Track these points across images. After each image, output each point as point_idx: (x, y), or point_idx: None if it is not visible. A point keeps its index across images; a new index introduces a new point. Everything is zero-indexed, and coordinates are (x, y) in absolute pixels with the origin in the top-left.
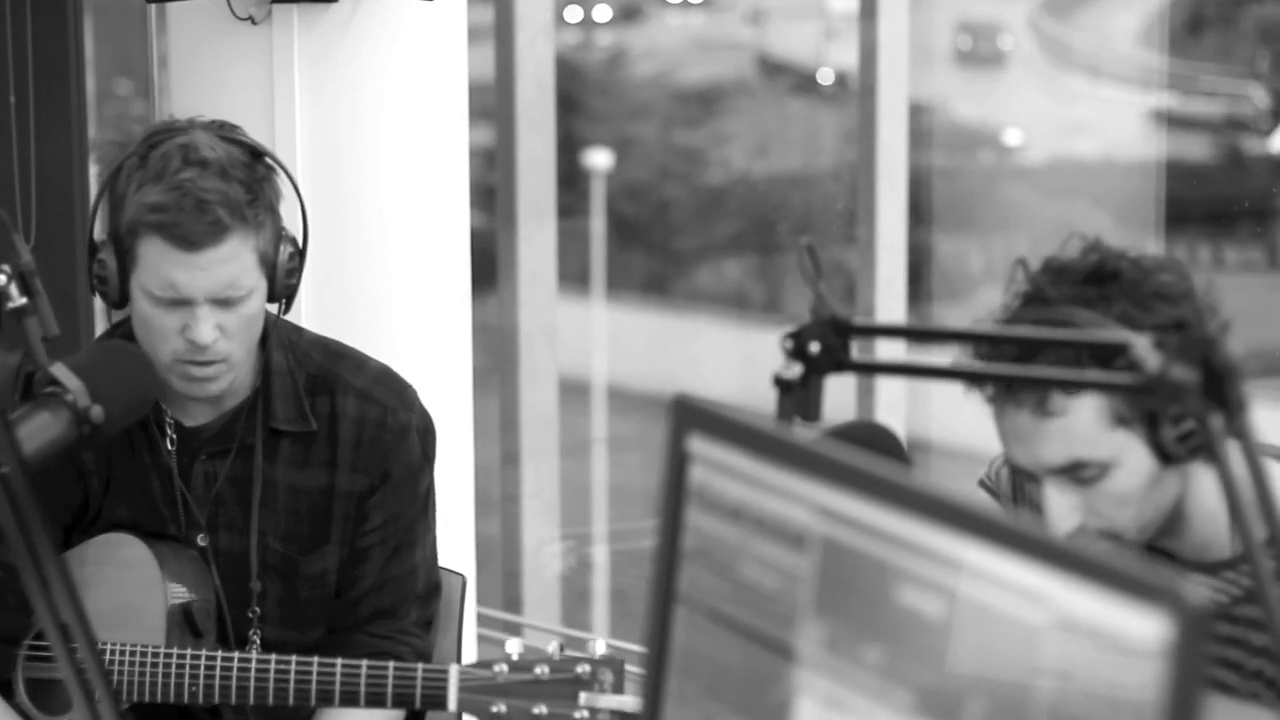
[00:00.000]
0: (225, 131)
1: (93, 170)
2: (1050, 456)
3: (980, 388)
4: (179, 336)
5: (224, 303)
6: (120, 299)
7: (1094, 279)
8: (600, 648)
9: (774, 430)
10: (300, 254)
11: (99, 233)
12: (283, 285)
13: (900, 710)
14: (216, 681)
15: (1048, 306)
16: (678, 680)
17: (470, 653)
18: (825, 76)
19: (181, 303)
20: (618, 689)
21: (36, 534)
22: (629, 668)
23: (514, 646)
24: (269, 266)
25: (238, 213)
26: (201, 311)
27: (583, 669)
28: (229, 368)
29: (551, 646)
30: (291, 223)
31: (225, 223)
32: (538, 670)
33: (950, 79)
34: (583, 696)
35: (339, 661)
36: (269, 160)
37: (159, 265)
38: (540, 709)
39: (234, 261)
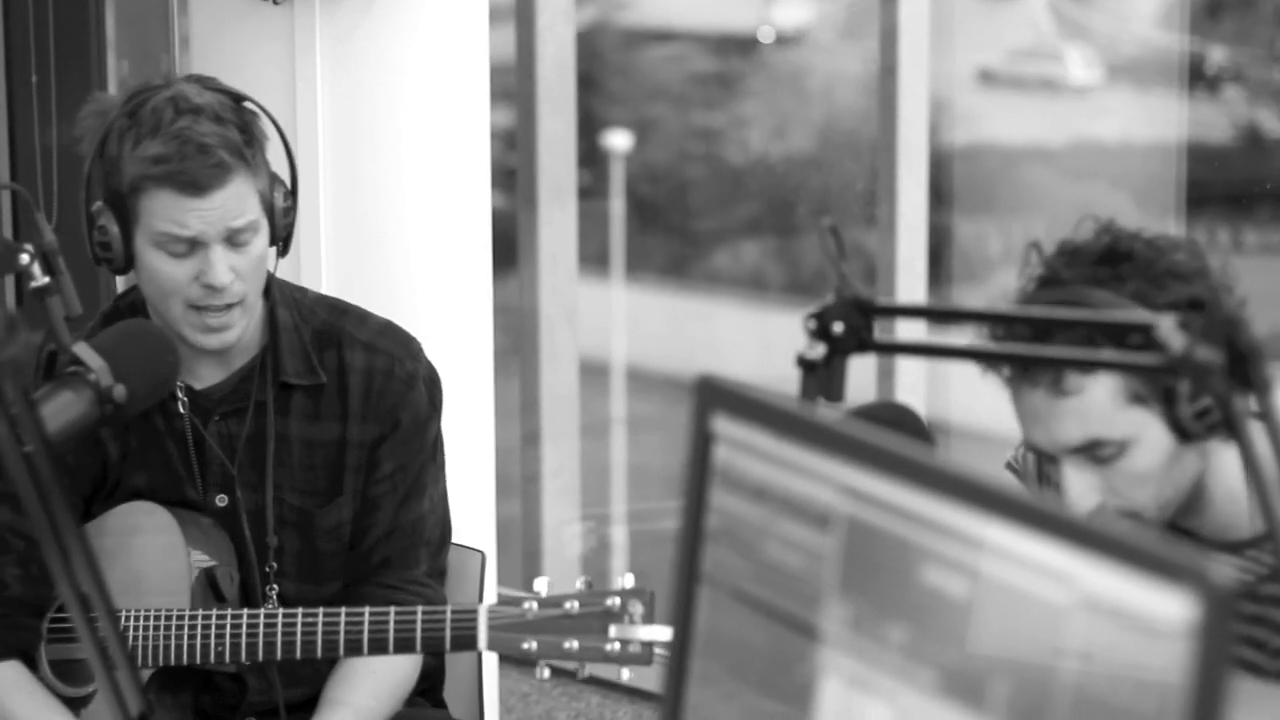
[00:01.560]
0: (205, 82)
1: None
2: (1067, 436)
3: (997, 369)
4: (193, 284)
5: (234, 243)
6: (125, 263)
7: (1107, 259)
8: (629, 580)
9: (798, 410)
10: (292, 194)
11: (94, 202)
12: (281, 225)
13: (924, 690)
14: (243, 639)
15: (1062, 287)
16: (701, 660)
17: None
18: (766, 35)
19: (193, 249)
20: (648, 619)
21: (59, 511)
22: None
23: (541, 583)
24: (268, 207)
25: (238, 153)
26: (215, 254)
27: (612, 601)
28: (244, 311)
29: (579, 582)
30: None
31: (228, 163)
32: (567, 605)
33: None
34: (613, 629)
35: (366, 610)
36: (251, 105)
37: (168, 213)
38: (571, 644)
39: (240, 200)
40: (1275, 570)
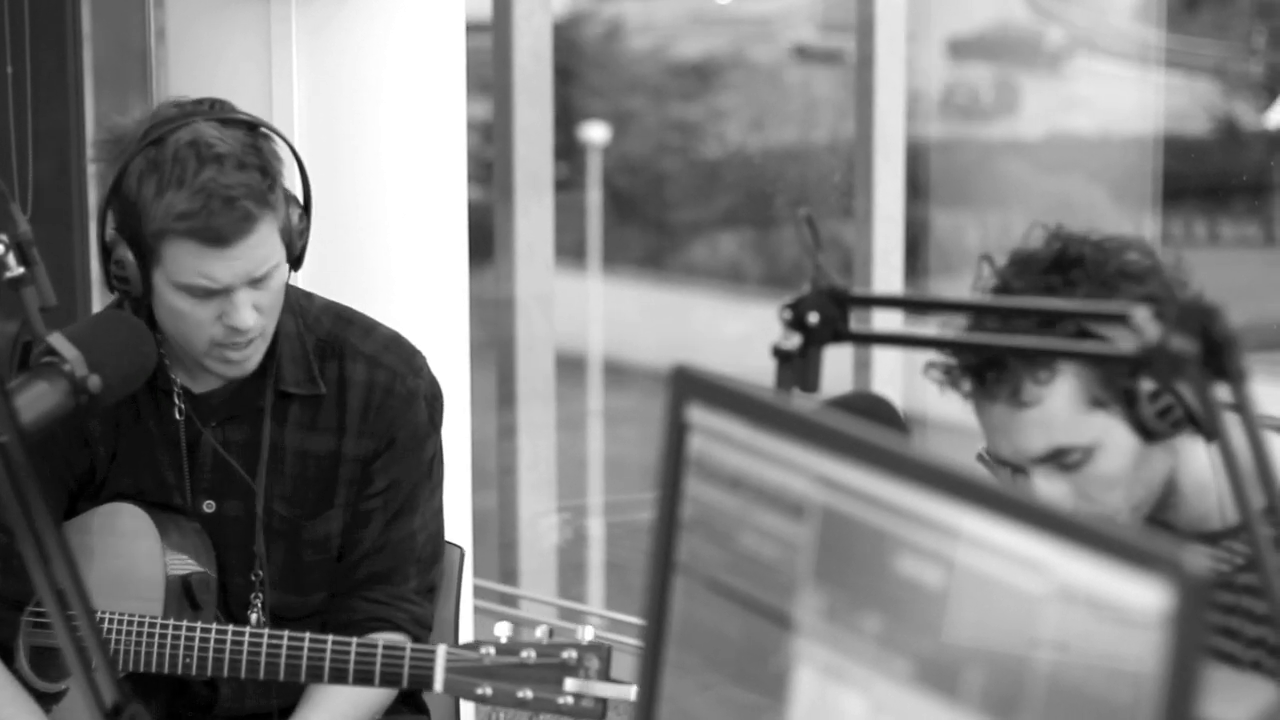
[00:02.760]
0: (221, 113)
1: (89, 143)
2: (1031, 446)
3: (957, 387)
4: (216, 324)
5: (256, 282)
6: (144, 292)
7: (1057, 267)
8: (588, 634)
9: (773, 399)
10: (305, 212)
11: (108, 232)
12: (296, 247)
13: (899, 680)
14: (210, 655)
15: (1021, 297)
16: (676, 650)
17: (467, 625)
18: None
19: (216, 292)
20: (603, 675)
21: (34, 503)
22: (627, 639)
23: (503, 629)
24: (287, 236)
25: (263, 200)
26: (240, 298)
27: (569, 655)
28: (263, 341)
29: (540, 631)
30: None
31: (254, 214)
32: (524, 654)
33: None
34: (568, 682)
35: (330, 639)
36: (265, 130)
37: (194, 264)
38: (525, 693)
39: (265, 246)
40: (1250, 560)
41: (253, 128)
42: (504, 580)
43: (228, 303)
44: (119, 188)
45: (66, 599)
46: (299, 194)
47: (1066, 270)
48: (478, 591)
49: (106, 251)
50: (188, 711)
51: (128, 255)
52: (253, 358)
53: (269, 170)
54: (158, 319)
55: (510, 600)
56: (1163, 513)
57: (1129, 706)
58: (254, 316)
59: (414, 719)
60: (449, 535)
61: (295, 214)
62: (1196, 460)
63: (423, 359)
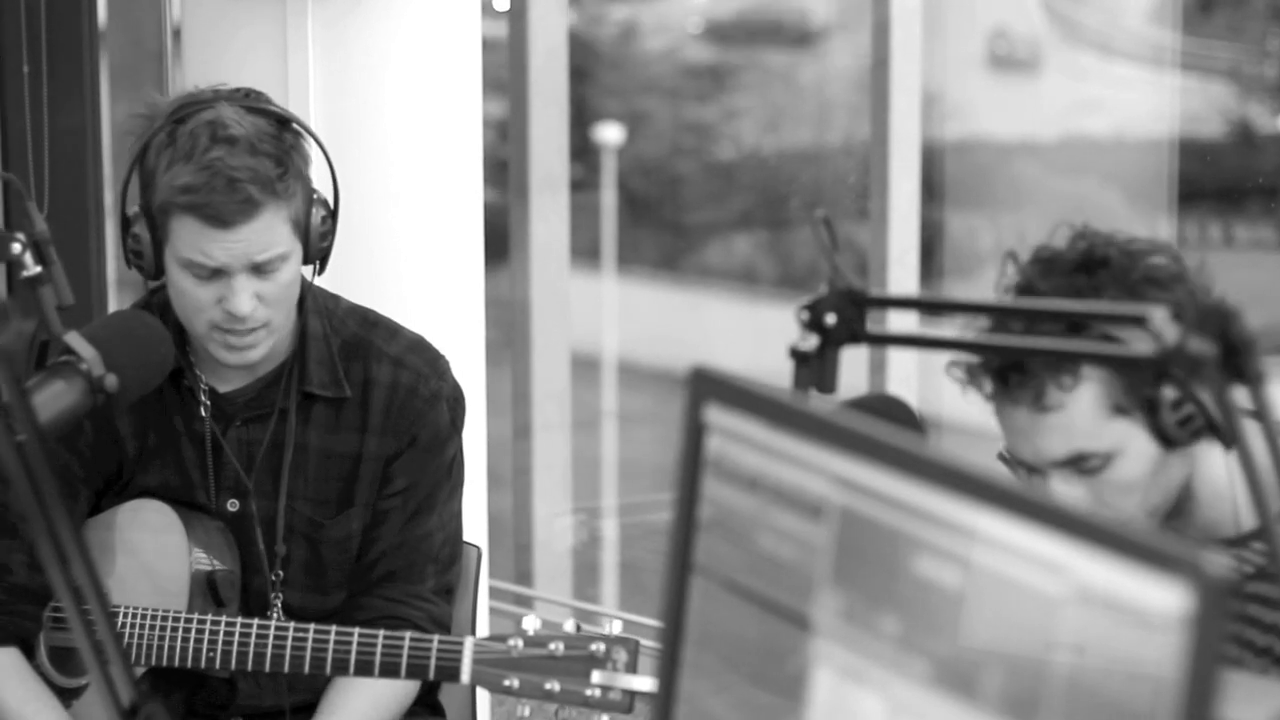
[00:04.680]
0: (251, 101)
1: (106, 142)
2: (1052, 450)
3: (979, 387)
4: (216, 307)
5: (260, 271)
6: (156, 271)
7: (1083, 268)
8: (616, 627)
9: (791, 400)
10: (332, 215)
11: (131, 207)
12: (316, 248)
13: (917, 681)
14: (235, 648)
15: (1038, 299)
16: (694, 651)
17: (483, 625)
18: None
19: (218, 274)
20: (631, 668)
21: (51, 501)
22: (642, 640)
23: (531, 622)
24: (302, 231)
25: (269, 188)
26: (239, 282)
27: (597, 647)
28: (268, 334)
29: (568, 624)
30: (321, 185)
31: (257, 199)
32: (552, 646)
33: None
34: (596, 674)
35: (356, 631)
36: (296, 126)
37: (194, 241)
38: (553, 685)
39: (267, 233)
40: (1261, 569)
41: (284, 122)
42: (519, 581)
43: (227, 287)
44: (142, 160)
45: (83, 595)
46: (329, 197)
47: (1092, 272)
48: (493, 593)
49: (126, 225)
50: (206, 707)
51: (144, 232)
52: (255, 348)
53: (284, 160)
54: (171, 303)
55: (525, 601)
56: (1175, 519)
57: (1148, 709)
58: (252, 304)
59: None
60: (464, 536)
61: (318, 214)
62: (1213, 467)
63: (446, 363)
